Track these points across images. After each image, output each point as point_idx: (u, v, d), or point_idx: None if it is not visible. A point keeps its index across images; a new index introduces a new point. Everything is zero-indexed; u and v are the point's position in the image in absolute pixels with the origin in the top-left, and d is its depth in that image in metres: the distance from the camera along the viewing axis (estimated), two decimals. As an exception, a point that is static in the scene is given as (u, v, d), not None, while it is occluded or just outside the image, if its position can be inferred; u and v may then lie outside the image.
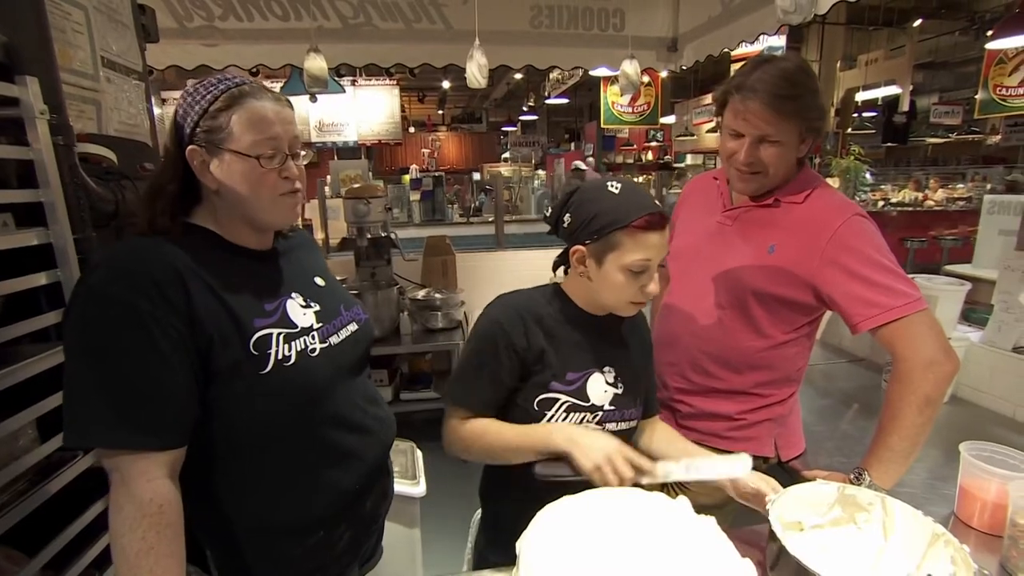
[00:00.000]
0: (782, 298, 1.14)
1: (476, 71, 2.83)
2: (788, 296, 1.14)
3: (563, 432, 0.93)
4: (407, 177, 6.66)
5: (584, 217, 0.94)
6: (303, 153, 0.93)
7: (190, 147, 0.83)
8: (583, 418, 0.99)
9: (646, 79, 6.69)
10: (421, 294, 3.12)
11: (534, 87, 10.40)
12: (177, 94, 1.07)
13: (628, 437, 1.05)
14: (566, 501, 0.83)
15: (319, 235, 4.05)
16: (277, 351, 0.84)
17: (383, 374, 3.00)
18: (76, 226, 1.07)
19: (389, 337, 2.97)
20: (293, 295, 0.93)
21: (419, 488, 1.64)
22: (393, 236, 3.06)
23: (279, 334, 0.86)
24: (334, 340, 0.94)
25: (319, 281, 1.02)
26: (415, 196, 5.95)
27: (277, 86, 4.74)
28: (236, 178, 0.84)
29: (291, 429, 0.88)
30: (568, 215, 0.97)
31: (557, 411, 0.98)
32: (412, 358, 3.27)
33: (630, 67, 3.15)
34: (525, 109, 11.69)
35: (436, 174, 6.08)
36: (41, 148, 0.99)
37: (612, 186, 0.95)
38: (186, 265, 0.80)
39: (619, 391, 1.02)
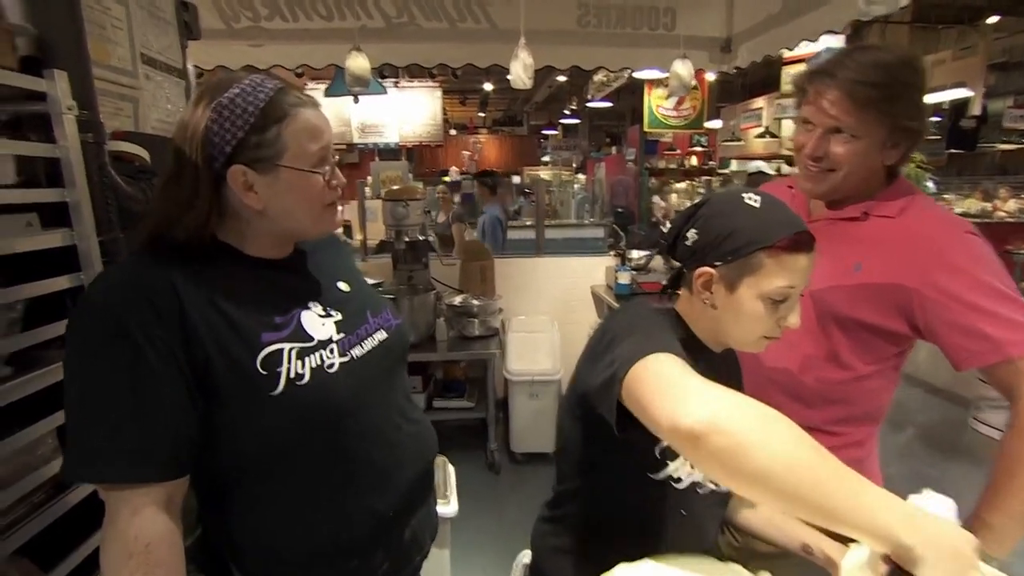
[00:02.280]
0: (868, 325, 1.00)
1: (521, 71, 2.75)
2: (875, 323, 1.00)
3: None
4: (447, 179, 6.66)
5: (717, 234, 0.81)
6: (337, 157, 0.86)
7: (233, 167, 0.76)
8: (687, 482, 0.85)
9: (694, 81, 6.48)
10: (458, 300, 3.05)
11: (577, 90, 10.26)
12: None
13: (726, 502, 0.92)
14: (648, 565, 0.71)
15: (357, 236, 4.04)
16: (288, 369, 0.76)
17: (416, 381, 2.95)
18: (103, 227, 1.03)
19: (424, 343, 2.91)
20: (311, 304, 0.86)
21: (450, 507, 1.55)
22: (431, 239, 3.01)
23: (291, 349, 0.78)
24: (357, 352, 0.86)
25: (343, 286, 0.94)
26: (454, 198, 5.92)
27: (322, 87, 4.78)
28: (290, 194, 0.79)
29: (312, 451, 0.80)
30: (694, 231, 0.84)
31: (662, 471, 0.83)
32: (447, 365, 3.20)
33: (682, 68, 3.00)
34: (567, 112, 11.55)
35: (476, 177, 6.07)
36: (68, 146, 0.95)
37: (750, 199, 0.82)
38: (186, 277, 0.74)
39: None
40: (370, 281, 3.07)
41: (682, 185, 9.42)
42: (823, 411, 1.07)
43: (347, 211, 4.10)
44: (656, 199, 6.83)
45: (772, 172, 6.52)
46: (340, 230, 4.00)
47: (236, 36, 2.95)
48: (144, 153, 1.22)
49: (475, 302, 3.04)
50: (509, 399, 3.05)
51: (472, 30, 3.11)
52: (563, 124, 12.67)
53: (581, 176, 9.69)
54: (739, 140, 9.15)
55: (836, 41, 6.02)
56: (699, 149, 11.18)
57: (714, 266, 0.82)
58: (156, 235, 0.78)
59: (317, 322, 0.85)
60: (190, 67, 1.61)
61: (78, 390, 0.69)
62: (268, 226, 0.82)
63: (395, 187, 3.01)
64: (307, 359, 0.79)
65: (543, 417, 3.00)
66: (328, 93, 4.74)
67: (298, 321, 0.82)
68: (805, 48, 3.32)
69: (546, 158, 12.73)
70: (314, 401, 0.78)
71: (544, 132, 13.77)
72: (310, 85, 5.02)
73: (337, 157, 0.87)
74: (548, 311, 3.49)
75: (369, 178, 4.30)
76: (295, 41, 3.01)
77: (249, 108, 0.75)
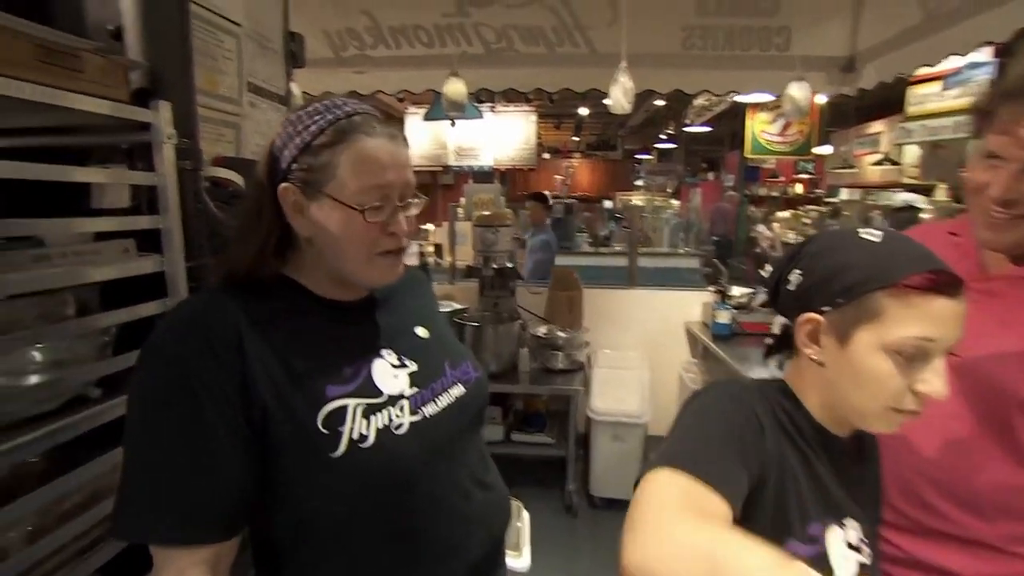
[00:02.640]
0: None
1: (621, 95, 2.63)
2: None
3: None
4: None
5: (825, 272, 0.66)
6: (415, 202, 0.76)
7: (283, 184, 0.71)
8: None
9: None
10: (543, 331, 2.95)
11: (674, 114, 9.95)
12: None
13: None
14: None
15: (447, 258, 4.07)
16: (352, 429, 0.69)
17: (496, 411, 2.86)
18: (192, 253, 1.03)
19: (506, 373, 2.82)
20: (384, 352, 0.79)
21: (523, 561, 1.40)
22: (519, 267, 2.95)
23: (357, 406, 0.71)
24: (430, 410, 0.77)
25: (421, 331, 0.87)
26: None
27: (421, 112, 4.94)
28: (332, 228, 0.71)
29: (372, 522, 0.72)
30: (798, 272, 0.69)
31: None
32: (528, 397, 3.10)
33: (798, 91, 2.75)
34: (663, 137, 11.25)
35: (567, 201, 5.98)
36: (165, 173, 0.95)
37: (868, 234, 0.66)
38: (251, 322, 0.69)
39: (864, 559, 0.70)
40: (455, 307, 3.05)
41: (785, 214, 8.84)
42: (1001, 524, 0.84)
43: (438, 233, 4.15)
44: (761, 228, 6.39)
45: (924, 207, 5.49)
46: (420, 258, 4.04)
47: (343, 64, 3.08)
48: (238, 178, 1.23)
49: (561, 334, 2.92)
50: (591, 438, 2.88)
51: (571, 54, 3.05)
52: (658, 149, 12.36)
53: (675, 202, 9.35)
54: (852, 167, 8.44)
55: (981, 55, 5.39)
56: (805, 176, 10.47)
57: (821, 311, 0.66)
58: (231, 265, 0.74)
59: (389, 373, 0.77)
60: (296, 91, 1.63)
61: (133, 439, 0.65)
62: (318, 260, 0.75)
63: (486, 213, 2.98)
64: (373, 418, 0.72)
65: (626, 461, 2.80)
66: (427, 117, 4.92)
67: (368, 373, 0.75)
68: (939, 66, 2.95)
69: (639, 182, 12.45)
70: (377, 466, 0.70)
71: (638, 156, 13.51)
72: (411, 109, 5.21)
73: (416, 201, 0.76)
74: (638, 347, 3.30)
75: (462, 199, 4.34)
76: (397, 68, 3.09)
77: (312, 126, 0.70)
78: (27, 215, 0.75)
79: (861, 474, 0.75)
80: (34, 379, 0.93)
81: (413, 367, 0.80)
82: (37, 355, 0.93)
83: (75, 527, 0.92)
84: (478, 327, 2.76)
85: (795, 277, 0.69)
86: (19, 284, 0.80)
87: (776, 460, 0.66)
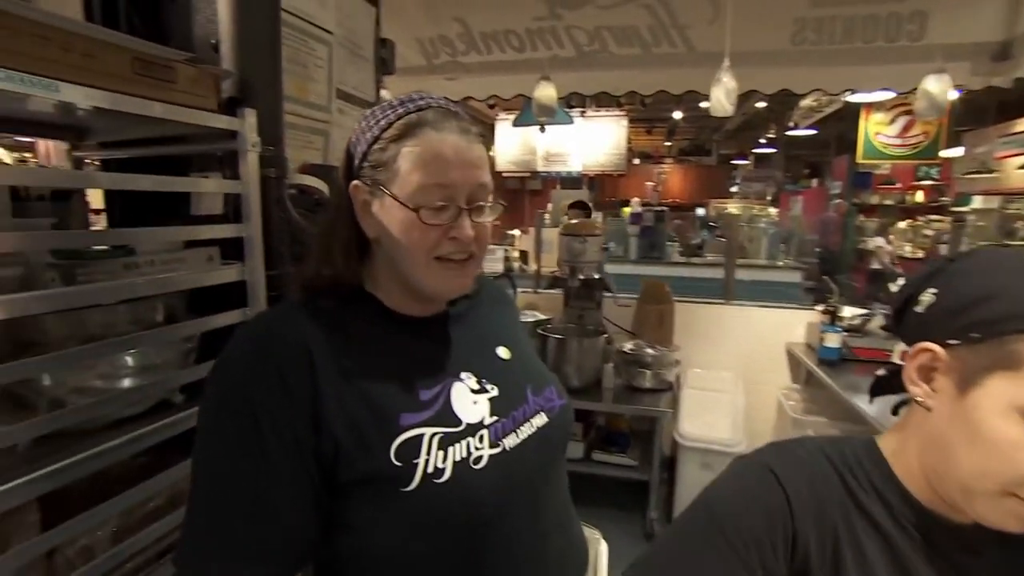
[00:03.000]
0: None
1: (723, 97, 2.44)
2: None
3: None
4: (627, 210, 6.45)
5: (964, 296, 0.52)
6: (489, 206, 0.70)
7: (354, 182, 0.69)
8: None
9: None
10: (630, 346, 2.79)
11: (776, 116, 9.31)
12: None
13: None
14: None
15: (532, 265, 4.00)
16: (427, 462, 0.63)
17: (577, 428, 2.74)
18: (273, 261, 1.03)
19: (589, 390, 2.70)
20: (464, 376, 0.73)
21: (600, 599, 1.29)
22: (607, 278, 2.82)
23: (433, 436, 0.65)
24: (511, 441, 0.71)
25: (503, 352, 0.80)
26: (634, 230, 5.66)
27: (511, 117, 4.92)
28: (392, 229, 0.67)
29: (443, 559, 0.66)
30: (932, 291, 0.55)
31: None
32: (611, 415, 2.95)
33: (936, 85, 2.42)
34: (762, 141, 10.56)
35: (658, 209, 5.71)
36: (248, 181, 0.96)
37: None
38: (325, 339, 0.65)
39: None
40: (539, 317, 2.96)
41: (903, 225, 8.00)
42: None
43: (523, 240, 4.08)
44: (879, 241, 5.79)
45: None
46: (505, 263, 4.00)
47: (435, 71, 3.10)
48: (323, 186, 1.22)
49: (649, 350, 2.74)
50: (677, 463, 2.69)
51: (667, 55, 2.88)
52: (756, 154, 11.63)
53: (773, 210, 8.73)
54: (992, 172, 7.47)
55: None
56: (927, 183, 9.42)
57: (945, 344, 0.51)
58: (312, 275, 0.71)
59: (468, 399, 0.71)
60: (386, 98, 1.62)
61: (199, 468, 0.62)
62: (387, 266, 0.71)
63: (573, 221, 2.88)
64: (451, 449, 0.65)
65: (717, 491, 2.58)
66: (516, 123, 4.91)
67: (447, 398, 0.70)
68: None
69: (734, 189, 11.79)
70: (453, 503, 0.64)
71: (734, 162, 12.80)
72: (501, 115, 5.22)
73: (492, 205, 0.70)
74: (732, 367, 3.05)
75: (550, 206, 4.29)
76: (487, 73, 3.07)
77: (383, 121, 0.67)
78: (134, 222, 0.77)
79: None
80: (127, 383, 0.97)
81: (494, 392, 0.73)
82: (130, 360, 0.96)
83: (157, 530, 0.94)
84: (561, 340, 2.66)
85: (928, 297, 0.55)
86: (105, 293, 0.81)
87: (826, 545, 0.52)
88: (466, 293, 0.77)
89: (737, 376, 2.94)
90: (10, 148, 1.81)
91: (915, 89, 2.62)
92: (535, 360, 0.86)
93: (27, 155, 1.74)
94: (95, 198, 1.30)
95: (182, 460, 0.92)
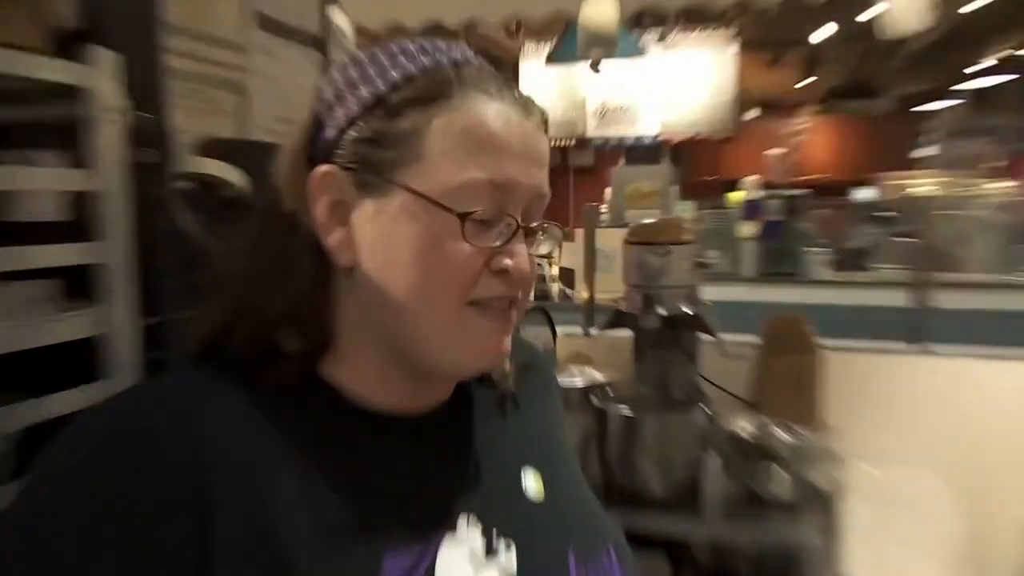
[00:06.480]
0: None
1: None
2: None
3: None
4: (737, 196, 4.28)
5: None
6: (543, 227, 0.50)
7: (321, 168, 0.44)
8: None
9: None
10: (747, 427, 1.90)
11: (1000, 28, 6.43)
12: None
13: None
14: None
15: (580, 292, 2.92)
16: None
17: (659, 561, 1.94)
18: (152, 305, 0.80)
19: (681, 501, 1.84)
20: (460, 524, 0.48)
21: None
22: (706, 312, 2.01)
23: None
24: None
25: (531, 483, 0.54)
26: (749, 229, 3.93)
27: (543, 51, 3.82)
28: (400, 245, 0.44)
29: None
30: None
31: None
32: (719, 546, 2.13)
33: None
34: (975, 69, 7.55)
35: (790, 193, 3.89)
36: (104, 169, 0.71)
37: None
38: (231, 456, 0.42)
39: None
40: (592, 377, 2.07)
41: None
42: None
43: (566, 251, 2.90)
44: None
45: None
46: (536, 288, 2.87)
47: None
48: (236, 178, 0.96)
49: (782, 434, 1.85)
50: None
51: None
52: (965, 91, 8.17)
53: (999, 186, 5.66)
54: None
55: None
56: None
57: None
58: (220, 327, 0.48)
59: (466, 571, 0.46)
60: (343, 26, 1.23)
61: None
62: (364, 323, 0.48)
63: (647, 221, 2.05)
64: None
65: None
66: (553, 58, 3.63)
67: (432, 562, 0.45)
68: None
69: (926, 153, 8.56)
70: None
71: (923, 108, 9.62)
72: (527, 47, 4.08)
73: (547, 226, 0.51)
74: (938, 465, 2.08)
75: (607, 193, 3.24)
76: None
77: (394, 72, 0.45)
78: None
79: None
80: None
81: (510, 558, 0.48)
82: None
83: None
84: (630, 419, 1.85)
85: None
86: None
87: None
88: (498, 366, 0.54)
89: (948, 481, 2.04)
90: None
91: None
92: (583, 492, 0.60)
93: None
94: None
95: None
